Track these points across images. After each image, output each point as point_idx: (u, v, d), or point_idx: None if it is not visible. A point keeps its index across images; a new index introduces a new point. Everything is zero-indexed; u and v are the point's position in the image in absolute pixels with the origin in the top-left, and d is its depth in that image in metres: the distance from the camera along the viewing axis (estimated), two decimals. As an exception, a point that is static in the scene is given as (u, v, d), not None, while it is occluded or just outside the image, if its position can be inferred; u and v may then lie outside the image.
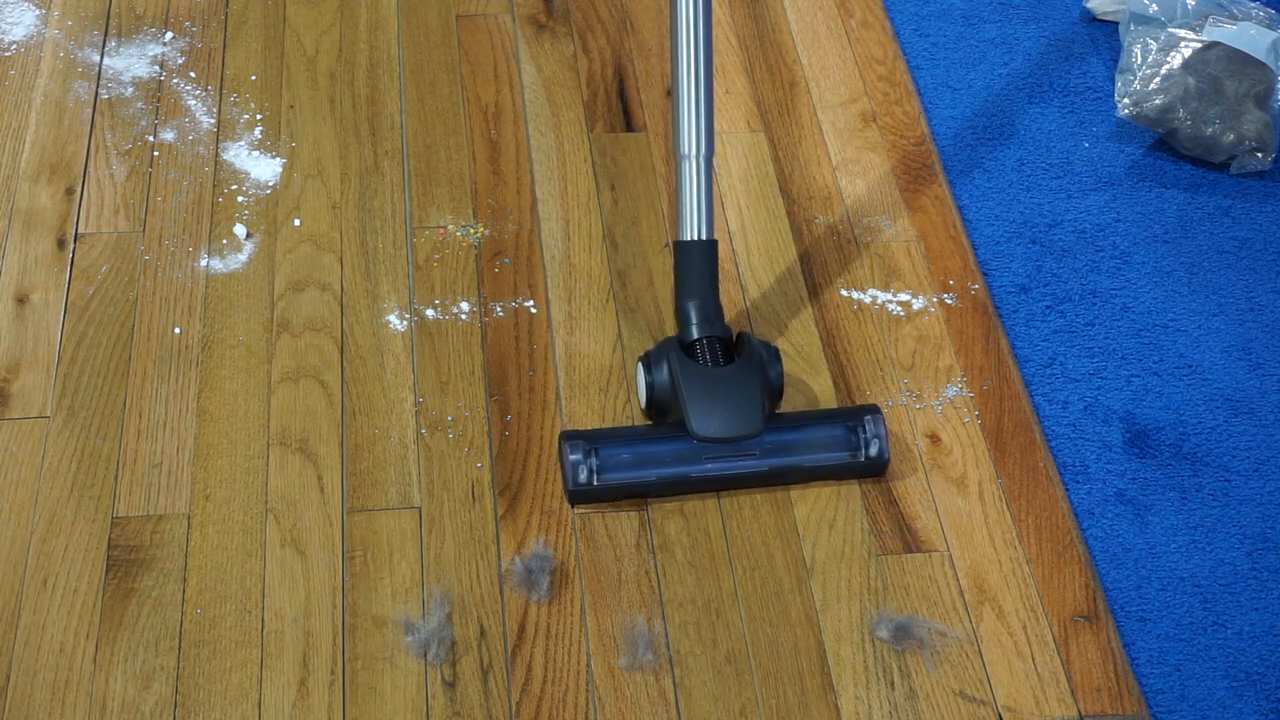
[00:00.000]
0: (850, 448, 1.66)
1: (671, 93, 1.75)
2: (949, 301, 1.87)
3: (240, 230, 1.90)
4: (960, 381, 1.79)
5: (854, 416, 1.67)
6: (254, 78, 2.10)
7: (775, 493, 1.67)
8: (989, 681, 1.53)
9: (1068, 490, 1.69)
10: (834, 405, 1.76)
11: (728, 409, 1.62)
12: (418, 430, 1.71)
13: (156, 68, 2.11)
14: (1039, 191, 2.02)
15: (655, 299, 1.86)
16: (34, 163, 1.98)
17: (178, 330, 1.80)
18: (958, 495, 1.68)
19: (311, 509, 1.63)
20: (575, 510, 1.64)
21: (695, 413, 1.62)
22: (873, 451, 1.66)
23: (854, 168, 2.03)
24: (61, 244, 1.89)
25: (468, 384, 1.76)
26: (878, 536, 1.64)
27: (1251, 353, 1.84)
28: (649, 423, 1.71)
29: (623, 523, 1.64)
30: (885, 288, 1.89)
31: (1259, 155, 2.03)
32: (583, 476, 1.62)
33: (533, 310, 1.84)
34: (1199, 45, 2.05)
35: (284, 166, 1.99)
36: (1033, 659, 1.55)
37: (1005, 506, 1.67)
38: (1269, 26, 2.08)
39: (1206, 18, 2.09)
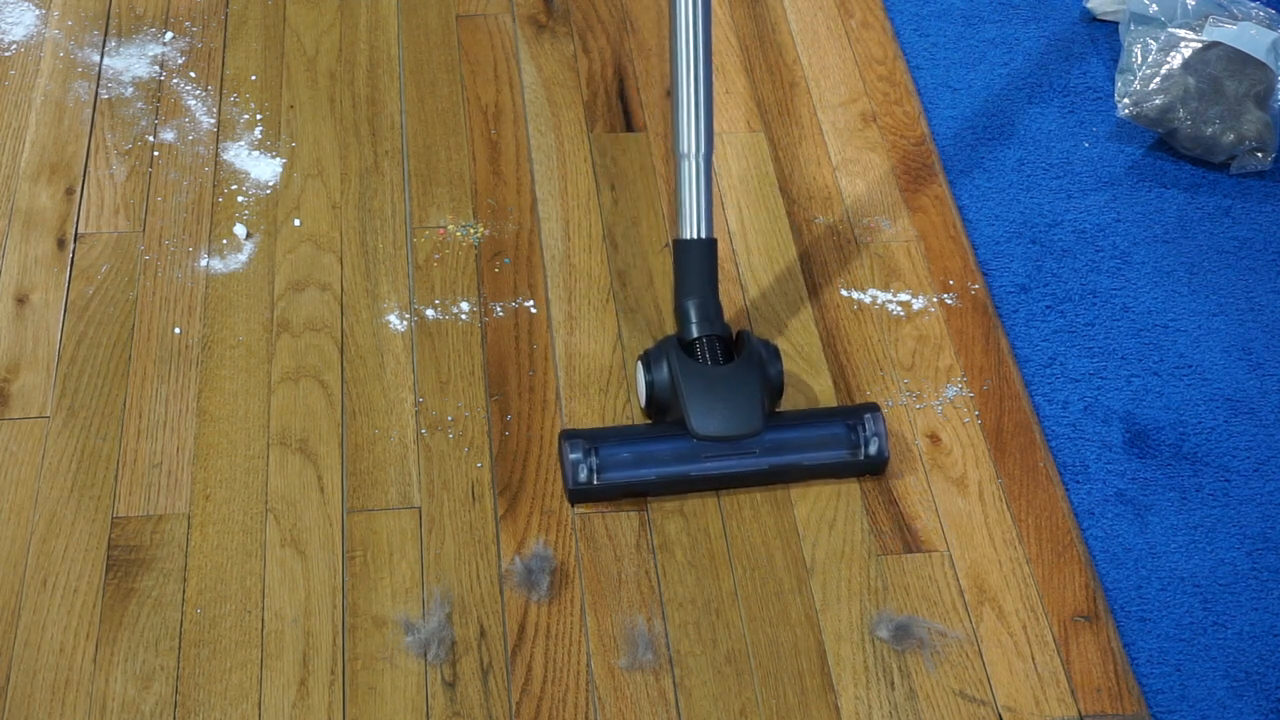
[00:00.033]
0: (850, 446, 1.66)
1: (671, 91, 1.75)
2: (949, 301, 1.87)
3: (240, 230, 1.90)
4: (960, 381, 1.79)
5: (853, 415, 1.67)
6: (254, 78, 2.11)
7: (775, 493, 1.67)
8: (989, 681, 1.53)
9: (1068, 490, 1.69)
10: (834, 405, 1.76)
11: (727, 407, 1.62)
12: (418, 430, 1.71)
13: (156, 68, 2.11)
14: (1039, 191, 2.02)
15: (655, 299, 1.86)
16: (34, 163, 1.98)
17: (178, 330, 1.80)
18: (958, 495, 1.68)
19: (311, 509, 1.63)
20: (575, 510, 1.64)
21: (695, 411, 1.62)
22: (872, 450, 1.66)
23: (854, 168, 2.03)
24: (61, 244, 1.89)
25: (468, 384, 1.76)
26: (878, 536, 1.64)
27: (1251, 353, 1.84)
28: (649, 421, 1.71)
29: (623, 523, 1.64)
30: (885, 288, 1.89)
31: (1259, 155, 2.03)
32: (583, 475, 1.62)
33: (533, 310, 1.84)
34: (1199, 45, 2.05)
35: (284, 166, 1.99)
36: (1033, 659, 1.55)
37: (1005, 506, 1.67)
38: (1269, 26, 2.08)
39: (1206, 18, 2.09)
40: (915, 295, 1.88)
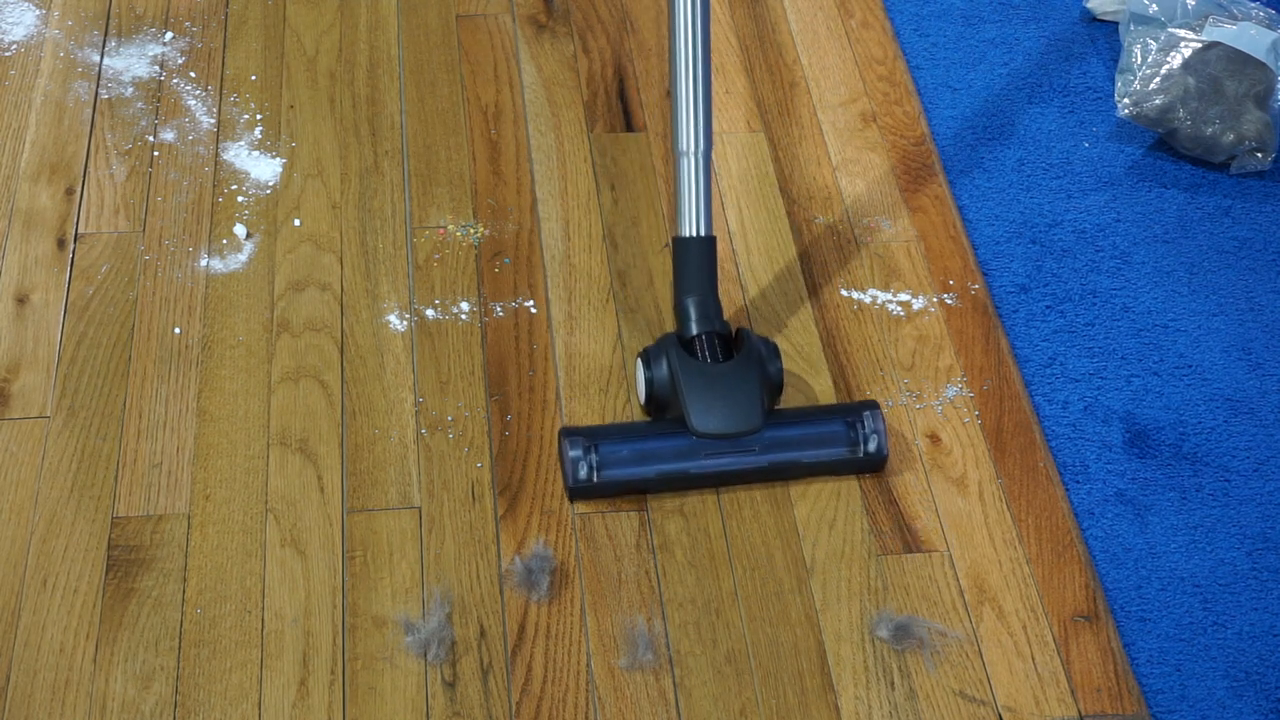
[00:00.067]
0: (849, 443, 1.66)
1: (670, 89, 1.75)
2: (949, 301, 1.87)
3: (240, 230, 1.90)
4: (960, 381, 1.79)
5: (853, 412, 1.67)
6: (254, 78, 2.11)
7: (775, 492, 1.67)
8: (989, 681, 1.53)
9: (1068, 490, 1.69)
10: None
11: (727, 405, 1.62)
12: (418, 430, 1.71)
13: (156, 68, 2.11)
14: (1039, 191, 2.02)
15: (655, 299, 1.86)
16: (34, 163, 1.98)
17: (178, 330, 1.80)
18: (958, 495, 1.68)
19: (311, 509, 1.63)
20: (575, 510, 1.64)
21: (695, 409, 1.62)
22: (871, 447, 1.66)
23: (854, 168, 2.03)
24: (61, 244, 1.89)
25: (468, 384, 1.76)
26: (878, 536, 1.64)
27: (1251, 353, 1.84)
28: (648, 419, 1.71)
29: (623, 523, 1.64)
30: (885, 288, 1.89)
31: (1259, 155, 2.03)
32: (583, 473, 1.62)
33: (533, 310, 1.84)
34: (1199, 45, 2.05)
35: (284, 166, 1.99)
36: (1033, 659, 1.54)
37: (1005, 506, 1.67)
38: (1269, 26, 2.08)
39: (1206, 18, 2.09)
40: (915, 295, 1.88)
